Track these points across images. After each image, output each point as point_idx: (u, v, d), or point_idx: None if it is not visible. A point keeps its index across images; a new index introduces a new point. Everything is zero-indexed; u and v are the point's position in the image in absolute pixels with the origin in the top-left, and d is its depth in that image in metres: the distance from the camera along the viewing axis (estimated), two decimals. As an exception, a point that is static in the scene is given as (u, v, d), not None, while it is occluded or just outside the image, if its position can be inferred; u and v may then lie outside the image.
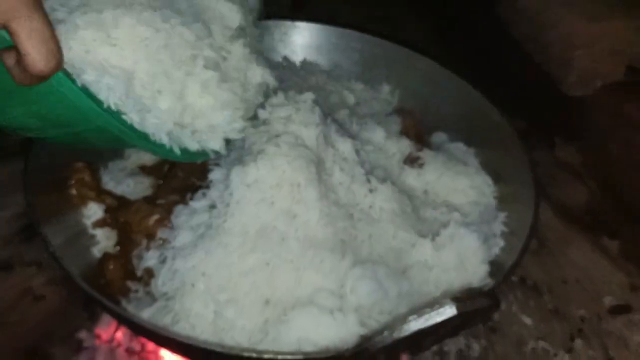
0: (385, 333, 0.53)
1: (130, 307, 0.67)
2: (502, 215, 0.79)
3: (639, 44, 0.94)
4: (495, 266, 0.73)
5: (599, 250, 0.95)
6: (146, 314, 0.64)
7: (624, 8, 0.94)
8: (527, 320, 0.86)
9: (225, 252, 0.65)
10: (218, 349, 0.58)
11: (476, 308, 0.53)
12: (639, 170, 0.95)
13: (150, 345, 0.81)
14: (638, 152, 0.95)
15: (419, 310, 0.52)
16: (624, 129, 0.96)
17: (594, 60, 0.94)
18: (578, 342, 0.85)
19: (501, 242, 0.76)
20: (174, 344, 0.62)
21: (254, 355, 0.58)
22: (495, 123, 0.85)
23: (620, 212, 0.98)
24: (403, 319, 0.52)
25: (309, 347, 0.62)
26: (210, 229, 0.67)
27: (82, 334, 0.81)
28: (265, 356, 0.58)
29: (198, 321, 0.63)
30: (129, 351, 0.81)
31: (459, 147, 0.87)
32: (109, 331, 0.82)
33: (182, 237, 0.68)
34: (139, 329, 0.66)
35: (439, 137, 0.90)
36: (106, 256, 0.74)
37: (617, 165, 0.98)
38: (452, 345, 0.82)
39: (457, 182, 0.79)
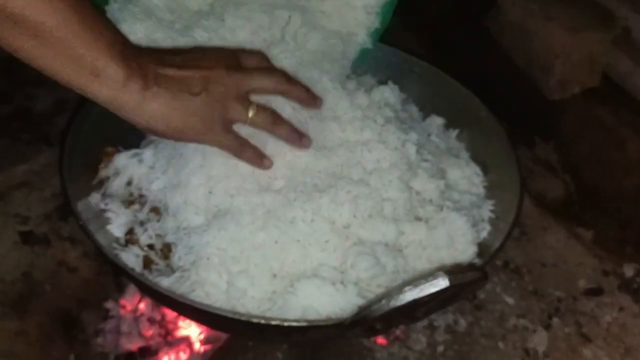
0: (383, 302, 0.50)
1: (151, 277, 0.64)
2: (489, 203, 0.76)
3: (613, 55, 0.91)
4: (482, 247, 0.70)
5: (574, 238, 0.92)
6: (165, 283, 0.62)
7: (601, 21, 0.91)
8: (509, 300, 0.84)
9: (237, 227, 0.62)
10: (230, 315, 0.56)
11: (467, 281, 0.50)
12: (608, 168, 0.92)
13: (170, 315, 0.79)
14: (607, 152, 0.92)
15: (414, 281, 0.50)
16: (596, 131, 0.93)
17: (572, 67, 0.92)
18: (555, 320, 0.82)
19: (488, 227, 0.73)
20: (189, 311, 0.60)
21: (263, 321, 0.56)
22: (484, 119, 0.82)
23: (593, 205, 0.95)
24: (399, 289, 0.50)
25: (312, 316, 0.59)
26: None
27: (109, 304, 0.79)
28: (273, 322, 0.56)
29: (212, 290, 0.60)
30: (151, 320, 0.79)
31: (452, 140, 0.84)
32: (133, 302, 0.80)
33: (196, 219, 0.65)
34: (159, 297, 0.64)
35: (433, 120, 0.87)
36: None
37: (589, 163, 0.95)
38: (441, 321, 0.80)
39: (450, 174, 0.76)
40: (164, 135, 0.62)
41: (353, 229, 0.65)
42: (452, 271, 0.49)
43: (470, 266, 0.53)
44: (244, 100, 0.65)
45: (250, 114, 0.65)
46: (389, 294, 0.50)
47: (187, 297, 0.59)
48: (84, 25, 0.52)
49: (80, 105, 0.76)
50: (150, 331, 0.78)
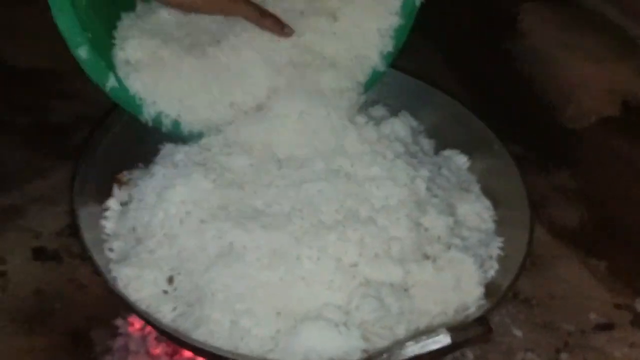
0: (384, 356, 0.50)
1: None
2: (498, 240, 0.75)
3: (634, 83, 0.89)
4: (490, 287, 0.69)
5: (586, 269, 0.91)
6: (169, 317, 0.62)
7: (624, 51, 0.89)
8: (518, 332, 0.82)
9: (242, 264, 0.62)
10: (231, 357, 0.56)
11: (469, 337, 0.49)
12: (625, 199, 0.91)
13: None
14: (625, 182, 0.90)
15: (416, 336, 0.49)
16: (613, 160, 0.92)
17: (591, 96, 0.90)
18: (563, 355, 0.81)
19: (496, 265, 0.72)
20: (191, 348, 0.60)
21: (264, 364, 0.56)
22: (495, 151, 0.81)
23: (608, 235, 0.93)
24: (401, 344, 0.49)
25: (315, 359, 0.59)
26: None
27: (118, 322, 0.79)
28: (274, 366, 0.55)
29: (216, 327, 0.60)
30: (159, 339, 0.79)
31: (463, 172, 0.82)
32: (141, 320, 0.80)
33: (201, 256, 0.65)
34: (161, 331, 0.64)
35: (447, 154, 0.86)
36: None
37: (605, 193, 0.93)
38: (448, 354, 0.79)
39: (460, 209, 0.75)
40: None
41: (359, 268, 0.64)
42: (454, 328, 0.48)
43: (474, 321, 0.52)
44: None
45: None
46: (391, 347, 0.49)
47: (189, 336, 0.58)
48: None
49: (97, 125, 0.77)
50: (157, 350, 0.78)
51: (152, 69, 0.71)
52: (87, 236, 0.65)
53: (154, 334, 0.80)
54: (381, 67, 0.80)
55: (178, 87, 0.72)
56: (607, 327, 0.84)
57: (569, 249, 0.93)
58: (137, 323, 0.80)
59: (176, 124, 0.74)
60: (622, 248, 0.91)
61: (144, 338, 0.79)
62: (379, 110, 0.82)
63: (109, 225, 0.72)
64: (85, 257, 0.65)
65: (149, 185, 0.71)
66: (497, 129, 0.83)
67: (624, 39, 0.90)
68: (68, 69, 1.07)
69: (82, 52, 0.68)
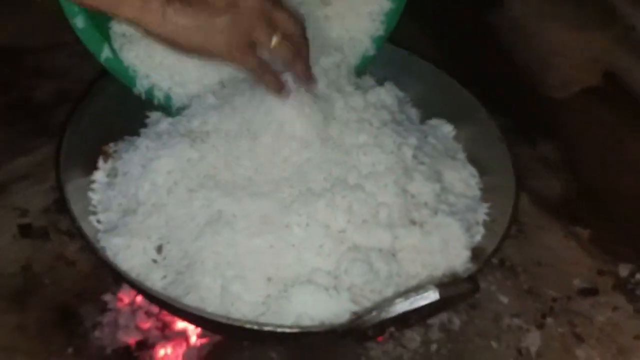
0: (374, 313, 0.50)
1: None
2: (484, 206, 0.76)
3: (614, 53, 0.90)
4: (477, 251, 0.70)
5: (571, 237, 0.92)
6: (159, 285, 0.62)
7: (605, 19, 0.90)
8: (504, 299, 0.84)
9: (232, 232, 0.62)
10: (223, 321, 0.56)
11: (457, 293, 0.50)
12: (608, 168, 0.92)
13: (167, 309, 0.79)
14: (607, 151, 0.91)
15: (405, 293, 0.50)
16: (596, 130, 0.93)
17: (573, 66, 0.91)
18: (549, 320, 0.82)
19: (482, 230, 0.73)
20: (183, 314, 0.60)
21: (256, 327, 0.56)
22: (482, 121, 0.82)
23: (591, 204, 0.94)
24: (391, 300, 0.50)
25: (306, 322, 0.60)
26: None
27: (107, 297, 0.79)
28: (266, 328, 0.56)
29: (207, 294, 0.61)
30: (148, 313, 0.79)
31: (449, 141, 0.83)
32: (130, 295, 0.80)
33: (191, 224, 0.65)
34: (152, 299, 0.64)
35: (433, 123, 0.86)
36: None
37: (589, 162, 0.95)
38: (436, 319, 0.79)
39: (447, 176, 0.75)
40: (186, 51, 0.64)
41: (348, 234, 0.65)
42: (442, 284, 0.49)
43: (462, 278, 0.53)
44: (270, 24, 0.65)
45: (274, 40, 0.65)
46: (381, 305, 0.50)
47: (180, 302, 0.59)
48: None
49: (80, 99, 0.77)
50: (147, 324, 0.78)
51: (146, 42, 0.72)
52: (75, 208, 0.65)
53: (144, 309, 0.80)
54: (371, 51, 0.81)
55: (170, 61, 0.73)
56: (591, 292, 0.86)
57: (554, 218, 0.94)
58: (126, 298, 0.81)
59: (168, 97, 0.75)
60: (604, 216, 0.93)
61: (133, 313, 0.79)
62: (366, 81, 0.83)
63: (96, 197, 0.72)
64: (74, 228, 0.65)
65: (134, 157, 0.71)
66: (480, 100, 0.84)
67: (604, 9, 0.91)
68: (48, 46, 1.08)
69: (79, 22, 0.68)
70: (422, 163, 0.72)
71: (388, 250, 0.65)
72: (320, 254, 0.63)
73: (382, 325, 0.52)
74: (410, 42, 0.93)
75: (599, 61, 0.91)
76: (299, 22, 0.68)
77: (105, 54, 0.72)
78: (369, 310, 0.51)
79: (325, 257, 0.63)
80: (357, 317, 0.53)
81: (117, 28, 0.73)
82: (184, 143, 0.69)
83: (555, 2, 0.92)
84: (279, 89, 0.67)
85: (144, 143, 0.72)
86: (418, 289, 0.49)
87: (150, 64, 0.73)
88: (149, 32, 0.62)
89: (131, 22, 0.60)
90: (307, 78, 0.70)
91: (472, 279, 0.53)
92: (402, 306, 0.49)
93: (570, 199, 0.97)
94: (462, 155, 0.81)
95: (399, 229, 0.66)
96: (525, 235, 0.92)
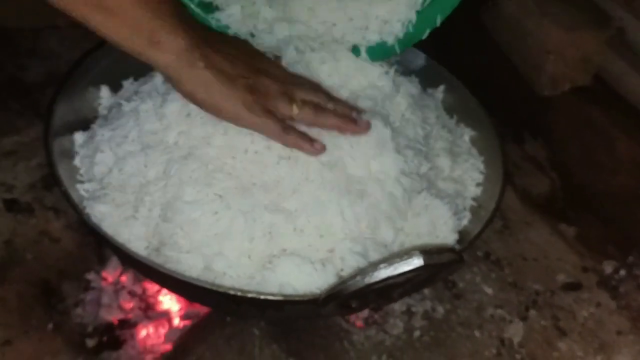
0: (358, 278, 0.51)
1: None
2: (472, 192, 0.77)
3: (605, 53, 0.92)
4: (463, 235, 0.71)
5: (557, 234, 0.93)
6: (144, 253, 0.62)
7: (596, 21, 0.92)
8: (488, 290, 0.85)
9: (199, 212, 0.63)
10: (207, 286, 0.57)
11: (442, 262, 0.51)
12: (595, 167, 0.93)
13: (151, 289, 0.79)
14: (595, 150, 0.93)
15: (389, 259, 0.50)
16: (585, 130, 0.94)
17: (564, 65, 0.92)
18: (532, 312, 0.83)
19: (469, 215, 0.74)
20: (169, 281, 0.60)
21: (239, 294, 0.56)
22: (473, 110, 0.84)
23: (578, 202, 0.96)
24: (374, 266, 0.50)
25: (289, 292, 0.60)
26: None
27: (91, 275, 0.79)
28: (249, 295, 0.56)
29: (189, 269, 0.61)
30: (132, 293, 0.79)
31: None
32: (114, 274, 0.80)
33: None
34: (137, 265, 0.64)
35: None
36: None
37: (577, 161, 0.96)
38: (419, 307, 0.80)
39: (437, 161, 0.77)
40: (202, 108, 0.64)
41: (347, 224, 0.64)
42: (427, 251, 0.50)
43: (447, 247, 0.54)
44: (287, 96, 0.66)
45: (295, 110, 0.65)
46: (364, 270, 0.50)
47: (166, 268, 0.59)
48: None
49: (66, 78, 0.77)
50: (130, 304, 0.78)
51: None
52: (61, 171, 0.65)
53: (127, 288, 0.80)
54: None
55: None
56: (574, 287, 0.87)
57: (540, 215, 0.96)
58: (110, 277, 0.81)
59: None
60: (591, 215, 0.94)
61: (116, 292, 0.79)
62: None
63: (79, 164, 0.72)
64: (61, 194, 0.65)
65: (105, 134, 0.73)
66: (475, 94, 0.85)
67: (596, 11, 0.93)
68: (40, 29, 1.08)
69: None
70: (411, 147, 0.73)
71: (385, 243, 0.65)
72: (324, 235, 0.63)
73: (366, 295, 0.53)
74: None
75: (590, 62, 0.92)
76: (317, 88, 0.70)
77: None
78: (352, 275, 0.51)
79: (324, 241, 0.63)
80: (341, 281, 0.54)
81: None
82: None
83: (545, 2, 0.94)
84: (310, 146, 0.65)
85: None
86: (402, 255, 0.50)
87: None
88: (171, 81, 0.63)
89: (159, 68, 0.61)
90: (348, 121, 0.68)
91: (456, 250, 0.53)
92: (386, 272, 0.49)
93: (557, 197, 0.98)
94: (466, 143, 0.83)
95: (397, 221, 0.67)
96: (511, 231, 0.93)
